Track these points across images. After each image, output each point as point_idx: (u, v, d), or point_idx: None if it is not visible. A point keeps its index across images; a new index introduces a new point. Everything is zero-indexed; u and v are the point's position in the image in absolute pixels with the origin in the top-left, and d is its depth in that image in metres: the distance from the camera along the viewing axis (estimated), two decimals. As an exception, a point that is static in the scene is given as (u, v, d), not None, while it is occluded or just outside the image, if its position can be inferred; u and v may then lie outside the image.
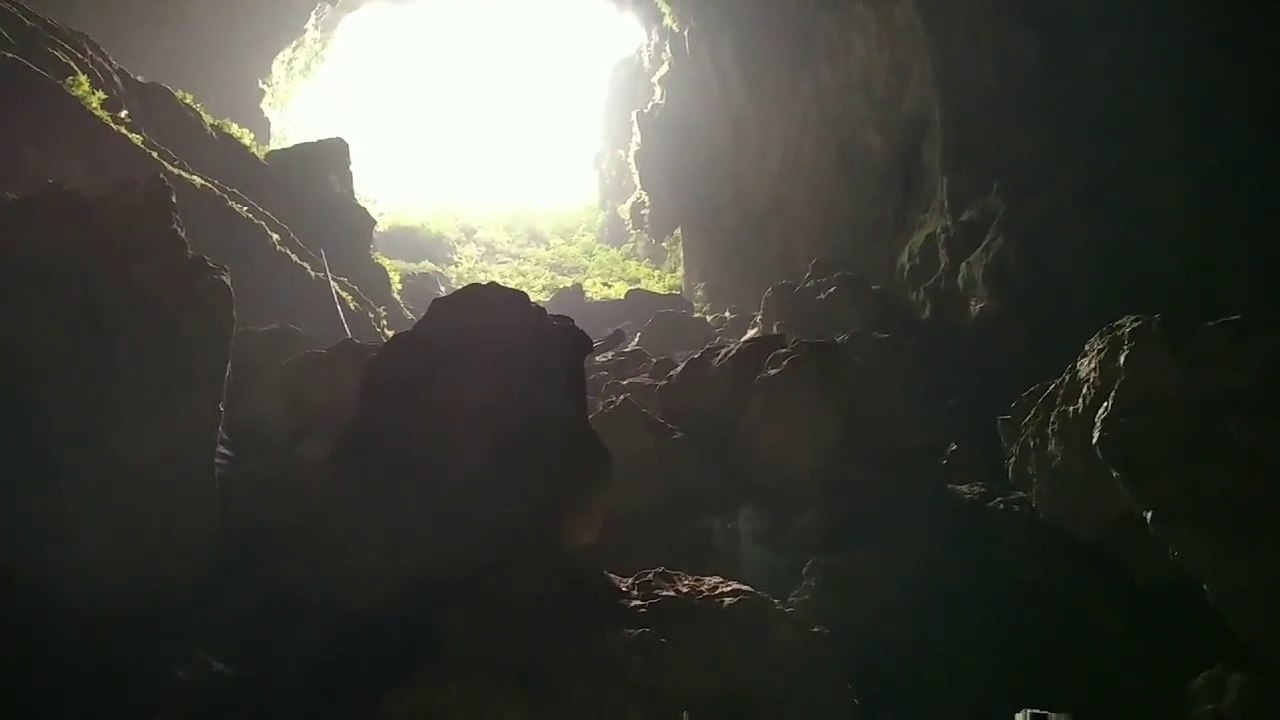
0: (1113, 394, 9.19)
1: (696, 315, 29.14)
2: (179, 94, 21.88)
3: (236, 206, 18.63)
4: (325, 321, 18.11)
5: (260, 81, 35.89)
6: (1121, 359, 9.31)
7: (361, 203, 26.44)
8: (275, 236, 19.13)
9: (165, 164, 17.15)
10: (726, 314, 28.08)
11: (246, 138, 24.15)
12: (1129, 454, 8.89)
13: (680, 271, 37.28)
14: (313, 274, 19.44)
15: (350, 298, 20.15)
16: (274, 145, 28.71)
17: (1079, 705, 8.22)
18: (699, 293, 33.41)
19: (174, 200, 10.57)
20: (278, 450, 12.01)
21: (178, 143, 19.25)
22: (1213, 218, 14.25)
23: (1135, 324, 9.48)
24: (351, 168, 26.20)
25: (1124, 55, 15.99)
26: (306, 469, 9.95)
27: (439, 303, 9.11)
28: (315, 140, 26.18)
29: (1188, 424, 8.78)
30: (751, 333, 21.23)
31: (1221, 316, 9.26)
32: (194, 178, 17.91)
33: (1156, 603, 9.50)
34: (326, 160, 25.06)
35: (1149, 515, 8.72)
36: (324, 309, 18.74)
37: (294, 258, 19.25)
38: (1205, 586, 8.35)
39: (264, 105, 35.65)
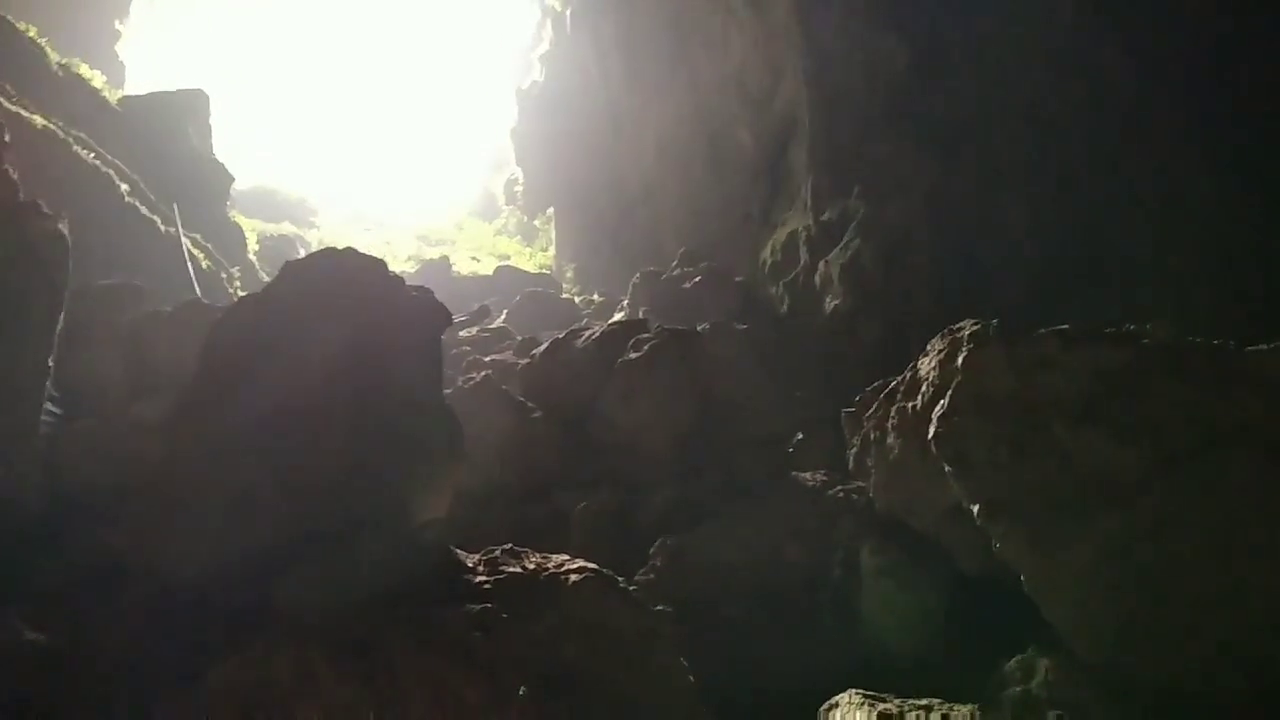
0: (949, 393, 9.62)
1: (565, 296, 29.15)
2: (21, 25, 20.44)
3: (82, 152, 17.59)
4: (175, 279, 17.37)
5: (117, 22, 33.85)
6: (959, 360, 9.74)
7: (221, 159, 25.34)
8: (124, 187, 18.16)
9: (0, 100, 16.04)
10: (595, 297, 28.22)
11: (98, 80, 22.79)
12: (960, 450, 9.32)
13: (551, 251, 37.16)
14: (163, 229, 18.57)
15: (203, 256, 19.34)
16: (129, 91, 27.14)
17: (903, 685, 8.65)
18: (569, 274, 33.40)
19: (6, 139, 9.90)
20: (112, 410, 11.46)
21: (16, 78, 18.02)
22: (1051, 230, 15.12)
23: (974, 328, 9.92)
24: (212, 121, 25.10)
25: (983, 72, 16.75)
26: (141, 430, 9.54)
27: (291, 265, 8.83)
28: (174, 90, 24.92)
29: (1016, 425, 9.25)
30: (618, 316, 21.41)
31: (1054, 324, 9.80)
32: (34, 117, 16.82)
33: (978, 591, 10.03)
34: (185, 111, 23.90)
35: (976, 509, 9.19)
36: (174, 266, 17.97)
37: (143, 210, 18.33)
38: (1021, 577, 8.85)
39: (119, 48, 33.63)
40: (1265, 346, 8.89)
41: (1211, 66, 13.89)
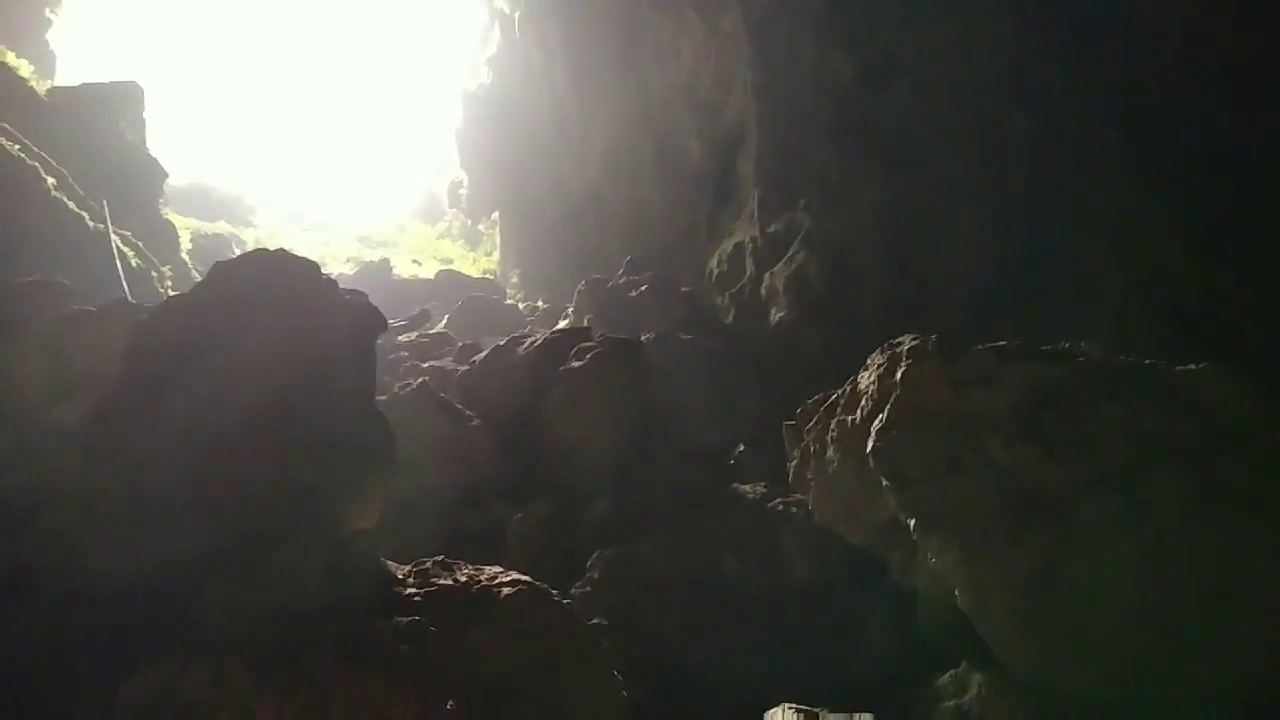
0: (888, 407, 9.67)
1: (509, 302, 28.91)
2: (-55, 11, 19.73)
3: (6, 143, 16.99)
4: (102, 277, 16.80)
5: (48, 10, 32.80)
6: (898, 375, 9.80)
7: (155, 154, 24.67)
8: (51, 180, 17.57)
9: (-81, 86, 15.42)
10: (540, 303, 27.99)
11: (25, 69, 22.06)
12: (897, 464, 9.37)
13: (495, 255, 36.82)
14: (91, 224, 17.99)
15: (133, 253, 18.79)
16: (60, 82, 26.32)
17: (837, 698, 8.62)
18: (514, 279, 33.12)
19: (-80, 126, 9.48)
20: (29, 414, 11.01)
21: (-62, 65, 17.36)
22: (995, 247, 15.30)
23: (913, 343, 10.00)
24: (145, 114, 24.45)
25: (930, 88, 16.93)
26: (58, 435, 9.13)
27: (220, 265, 8.55)
28: (106, 81, 24.22)
29: (952, 440, 9.33)
30: (562, 324, 21.23)
31: (995, 340, 9.89)
32: (-45, 105, 16.20)
33: (914, 604, 10.08)
34: (117, 104, 23.23)
35: (911, 523, 9.23)
36: (102, 263, 17.39)
37: (71, 205, 17.74)
38: (956, 591, 8.90)
39: (50, 37, 32.61)
40: (1194, 366, 9.07)
41: (1150, 93, 14.19)
